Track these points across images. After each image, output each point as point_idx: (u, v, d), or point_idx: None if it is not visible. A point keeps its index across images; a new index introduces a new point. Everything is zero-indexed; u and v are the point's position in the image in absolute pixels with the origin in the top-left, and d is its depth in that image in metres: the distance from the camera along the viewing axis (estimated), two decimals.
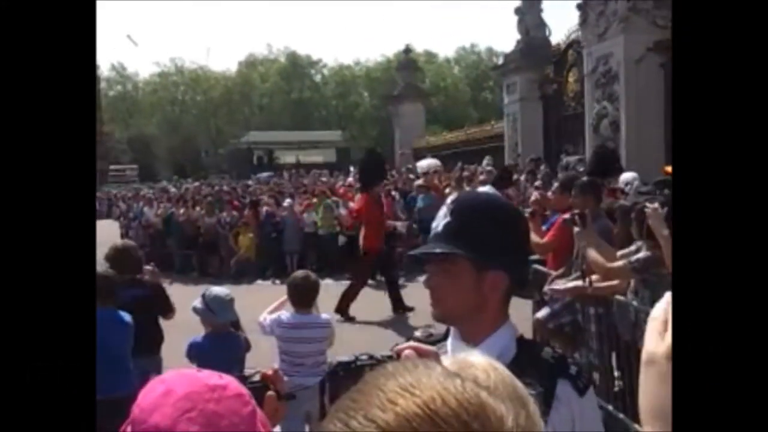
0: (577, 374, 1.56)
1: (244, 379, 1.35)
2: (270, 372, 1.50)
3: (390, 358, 1.03)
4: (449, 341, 1.63)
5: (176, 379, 1.04)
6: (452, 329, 1.64)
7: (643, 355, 0.72)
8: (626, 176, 6.01)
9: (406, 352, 1.01)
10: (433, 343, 1.58)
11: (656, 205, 3.74)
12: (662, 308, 0.73)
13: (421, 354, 0.99)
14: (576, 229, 4.41)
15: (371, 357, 1.06)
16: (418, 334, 1.69)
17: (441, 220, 1.59)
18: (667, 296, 0.74)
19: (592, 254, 4.29)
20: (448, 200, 1.65)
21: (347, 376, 1.04)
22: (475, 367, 0.96)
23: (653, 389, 0.69)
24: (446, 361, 0.98)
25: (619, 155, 9.36)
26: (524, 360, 1.53)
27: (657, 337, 0.70)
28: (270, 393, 1.42)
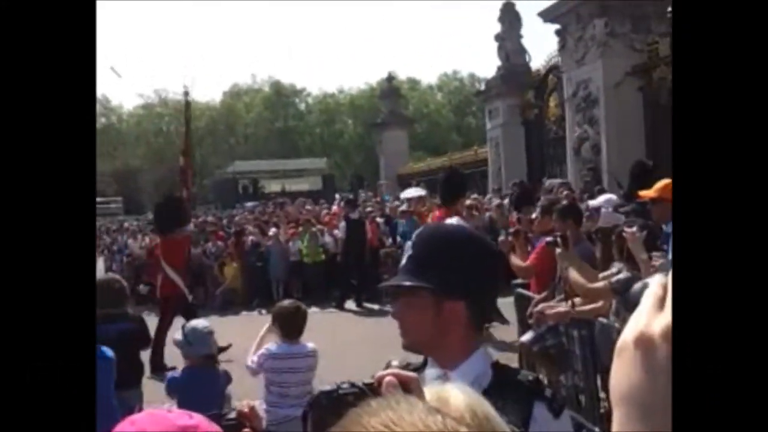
0: (552, 397, 1.61)
1: (220, 417, 1.36)
2: (246, 409, 1.50)
3: (371, 385, 1.04)
4: (427, 369, 1.66)
5: (146, 420, 1.04)
6: (429, 359, 1.68)
7: (618, 342, 0.71)
8: (605, 198, 6.07)
9: (387, 379, 1.02)
10: (411, 371, 1.64)
11: (634, 228, 3.79)
12: (650, 291, 0.72)
13: (401, 381, 1.00)
14: (558, 250, 4.45)
15: (353, 385, 1.06)
16: (395, 363, 1.72)
17: (406, 252, 1.66)
18: (651, 282, 0.73)
19: (574, 275, 4.33)
20: (415, 233, 1.71)
21: (329, 405, 1.05)
22: (454, 400, 0.97)
23: (623, 374, 0.69)
24: (426, 392, 1.00)
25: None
26: (501, 384, 1.58)
27: (631, 325, 0.70)
28: (245, 430, 1.42)
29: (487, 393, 1.31)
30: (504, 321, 7.32)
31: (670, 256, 4.26)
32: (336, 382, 1.10)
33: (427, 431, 0.71)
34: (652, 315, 0.68)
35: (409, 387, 0.99)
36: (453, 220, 5.59)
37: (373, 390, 0.99)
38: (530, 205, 7.96)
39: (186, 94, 12.38)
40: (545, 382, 5.65)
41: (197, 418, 1.10)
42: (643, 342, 0.67)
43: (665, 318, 0.67)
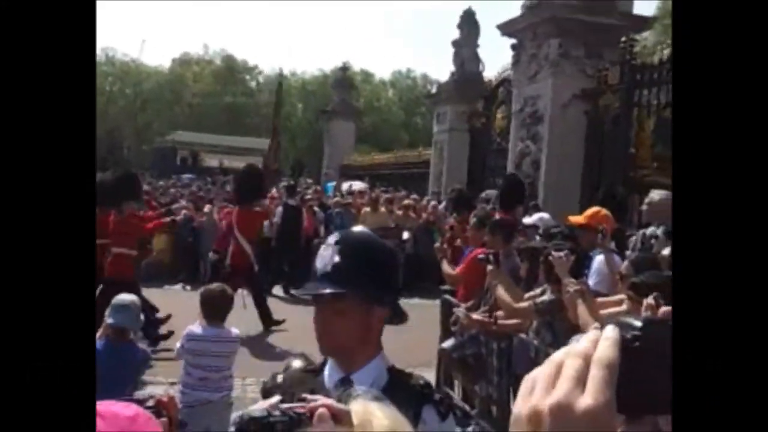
0: (440, 401, 1.76)
1: (138, 402, 1.36)
2: (165, 398, 1.51)
3: (302, 415, 1.06)
4: (326, 371, 1.77)
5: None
6: (329, 360, 1.78)
7: (512, 415, 0.73)
8: (538, 216, 6.22)
9: (320, 411, 1.04)
10: (310, 371, 1.79)
11: (562, 254, 3.91)
12: (538, 372, 0.73)
13: (333, 413, 1.03)
14: (489, 267, 4.57)
15: (284, 413, 1.08)
16: (296, 364, 1.80)
17: (329, 259, 1.73)
18: (550, 359, 0.73)
19: (501, 293, 4.44)
20: (332, 240, 1.78)
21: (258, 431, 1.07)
22: (378, 422, 1.00)
23: None
24: (353, 415, 1.03)
25: (524, 188, 9.68)
26: (395, 387, 1.69)
27: (522, 398, 0.71)
28: (163, 419, 1.43)
29: (381, 395, 1.40)
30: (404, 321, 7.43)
31: (591, 283, 4.43)
32: (267, 408, 1.11)
33: None
34: (546, 389, 0.69)
35: (340, 419, 1.02)
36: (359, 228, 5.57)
37: (302, 420, 1.02)
38: (467, 211, 8.07)
39: (280, 74, 12.49)
40: (459, 389, 5.78)
41: (134, 409, 1.12)
42: (534, 417, 0.68)
43: (556, 394, 0.67)
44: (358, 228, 2.10)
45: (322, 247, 1.79)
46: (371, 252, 1.76)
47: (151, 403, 1.46)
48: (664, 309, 0.75)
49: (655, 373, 0.69)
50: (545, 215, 6.28)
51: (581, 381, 0.68)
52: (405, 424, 1.04)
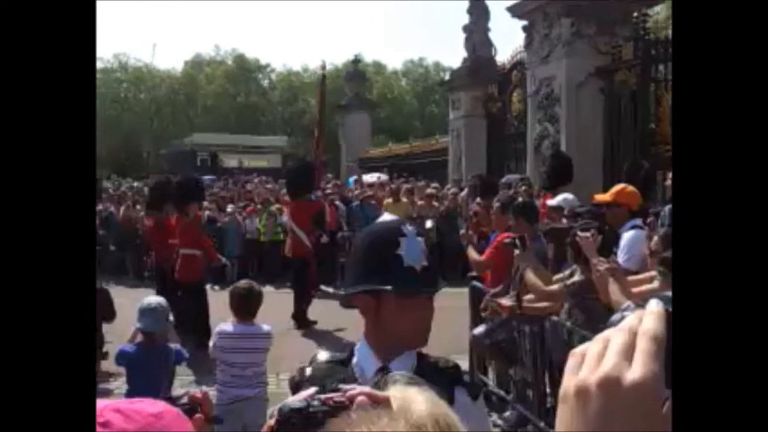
0: (470, 382, 1.82)
1: (172, 401, 1.38)
2: (199, 394, 1.54)
3: (342, 403, 1.07)
4: (356, 361, 1.82)
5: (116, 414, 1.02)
6: (362, 350, 1.83)
7: (560, 390, 0.73)
8: (562, 197, 6.20)
9: (360, 399, 1.06)
10: (337, 363, 1.83)
11: (588, 234, 3.90)
12: (584, 345, 0.73)
13: (374, 401, 1.04)
14: (516, 251, 4.56)
15: (323, 403, 1.09)
16: (322, 357, 1.86)
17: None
18: (597, 337, 0.73)
19: (531, 277, 4.44)
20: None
21: (300, 422, 1.08)
22: (417, 408, 0.99)
23: (565, 424, 0.71)
24: (391, 400, 1.02)
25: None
26: (425, 371, 1.70)
27: (569, 373, 0.71)
28: (198, 415, 1.45)
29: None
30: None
31: (620, 260, 4.41)
32: (306, 398, 1.13)
33: None
34: (593, 365, 0.69)
35: (380, 405, 1.03)
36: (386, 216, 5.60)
37: (343, 408, 1.03)
38: (491, 196, 8.05)
39: (323, 67, 12.96)
40: (494, 375, 5.80)
41: (161, 406, 1.12)
42: (581, 393, 0.68)
43: (603, 368, 0.68)
44: (383, 217, 2.13)
45: None
46: (355, 248, 1.88)
47: (185, 400, 1.49)
48: None
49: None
50: (569, 195, 6.26)
51: (628, 355, 0.68)
52: (444, 406, 1.03)
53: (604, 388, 0.67)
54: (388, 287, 1.73)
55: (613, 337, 0.71)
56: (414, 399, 1.02)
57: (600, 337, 0.72)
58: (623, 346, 0.69)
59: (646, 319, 0.70)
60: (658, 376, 0.67)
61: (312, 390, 1.21)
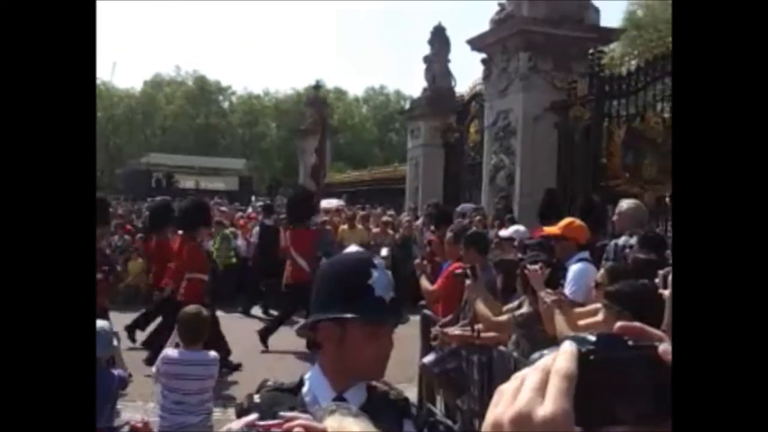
0: (417, 415, 1.85)
1: (112, 430, 1.37)
2: (139, 424, 1.51)
3: None
4: (307, 389, 1.79)
5: None
6: (313, 378, 1.82)
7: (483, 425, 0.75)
8: (514, 229, 6.27)
9: (297, 430, 1.07)
10: (286, 390, 1.80)
11: (536, 266, 3.95)
12: (505, 385, 0.75)
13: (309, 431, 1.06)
14: (467, 281, 4.59)
15: (264, 430, 1.10)
16: (270, 383, 1.83)
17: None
18: (516, 375, 0.75)
19: (480, 307, 4.47)
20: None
21: None
22: None
23: None
24: (328, 430, 1.06)
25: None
26: (375, 402, 1.75)
27: (491, 408, 0.73)
28: None
29: (365, 408, 1.53)
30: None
31: (567, 292, 4.47)
32: (246, 425, 1.13)
33: None
34: (509, 401, 0.71)
35: None
36: (353, 248, 5.58)
37: None
38: (446, 225, 8.11)
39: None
40: (442, 404, 5.78)
41: None
42: (496, 427, 0.71)
43: (517, 404, 0.70)
44: (351, 248, 2.09)
45: None
46: (319, 277, 1.88)
47: (125, 429, 1.46)
48: (620, 324, 0.77)
49: (610, 385, 0.72)
50: (521, 228, 6.34)
51: (541, 392, 0.70)
52: None
53: (516, 423, 0.69)
54: (357, 315, 1.73)
55: (529, 375, 0.73)
56: (350, 429, 1.05)
57: (518, 375, 0.74)
58: (537, 384, 0.71)
59: (559, 359, 0.72)
60: (567, 413, 0.69)
61: (253, 417, 1.25)
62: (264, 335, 9.19)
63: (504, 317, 4.45)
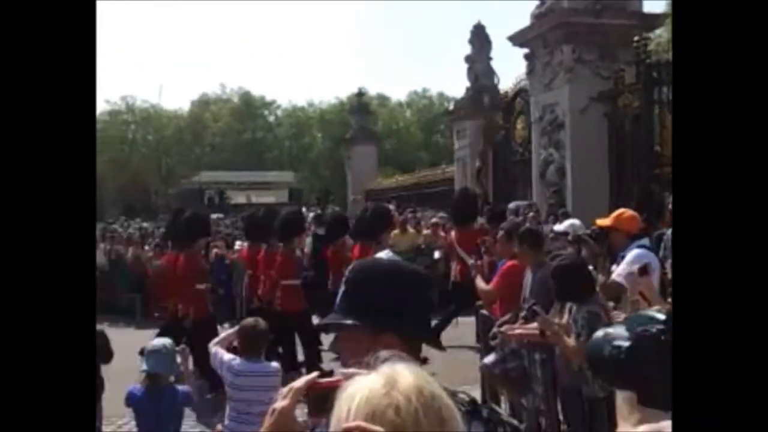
0: (488, 417, 1.74)
1: None
2: None
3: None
4: None
5: None
6: None
7: None
8: (569, 223, 6.17)
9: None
10: None
11: (541, 317, 4.12)
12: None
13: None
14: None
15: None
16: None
17: (341, 289, 1.78)
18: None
19: (565, 344, 4.31)
20: (348, 270, 1.83)
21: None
22: (403, 380, 1.10)
23: None
24: (377, 374, 1.13)
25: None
26: None
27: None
28: None
29: None
30: (441, 348, 7.50)
31: (615, 273, 4.42)
32: (304, 383, 1.34)
33: None
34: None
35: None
36: (383, 254, 5.55)
37: None
38: (500, 223, 8.09)
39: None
40: (506, 404, 5.70)
41: None
42: None
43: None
44: (380, 253, 2.14)
45: None
46: (373, 280, 1.77)
47: None
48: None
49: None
50: (576, 221, 6.22)
51: None
52: (429, 380, 1.12)
53: None
54: (405, 328, 1.71)
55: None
56: (401, 374, 1.12)
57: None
58: None
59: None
60: None
61: (314, 374, 1.38)
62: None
63: (574, 343, 4.28)
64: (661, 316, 0.73)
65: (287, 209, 10.75)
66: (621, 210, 5.23)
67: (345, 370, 1.26)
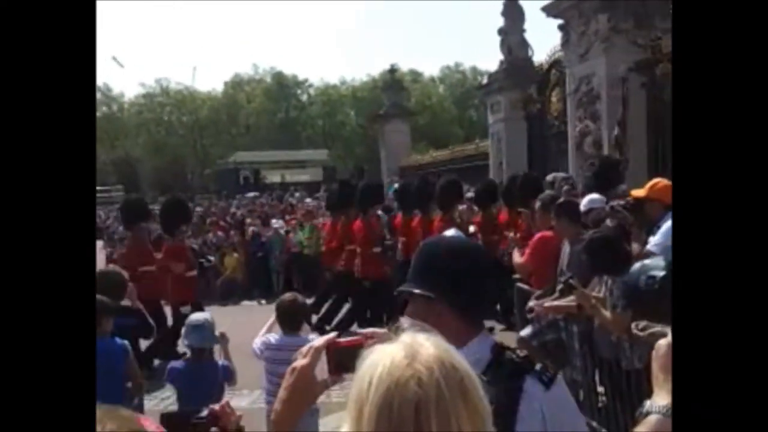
0: (541, 370, 1.78)
1: (189, 414, 1.42)
2: (218, 408, 1.54)
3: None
4: None
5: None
6: None
7: None
8: (588, 198, 5.96)
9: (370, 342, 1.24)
10: None
11: (579, 290, 4.12)
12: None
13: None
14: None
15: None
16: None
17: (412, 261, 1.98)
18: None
19: (603, 316, 4.26)
20: (421, 244, 2.07)
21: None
22: (424, 352, 1.12)
23: None
24: (398, 344, 1.15)
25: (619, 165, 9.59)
26: (496, 364, 1.79)
27: None
28: (213, 429, 1.46)
29: (484, 374, 1.63)
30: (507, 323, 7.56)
31: (650, 244, 4.34)
32: (324, 342, 1.46)
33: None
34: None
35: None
36: (451, 232, 5.61)
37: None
38: (536, 196, 7.97)
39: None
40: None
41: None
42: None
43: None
44: (448, 231, 2.40)
45: None
46: (434, 254, 1.95)
47: (204, 413, 1.50)
48: None
49: None
50: (596, 196, 6.05)
51: None
52: (450, 350, 1.14)
53: None
54: (463, 305, 1.85)
55: None
56: (422, 344, 1.13)
57: None
58: None
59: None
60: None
61: (333, 334, 1.49)
62: None
63: (610, 315, 4.23)
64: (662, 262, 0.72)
65: (364, 181, 11.21)
66: (656, 180, 5.14)
67: (363, 330, 1.33)
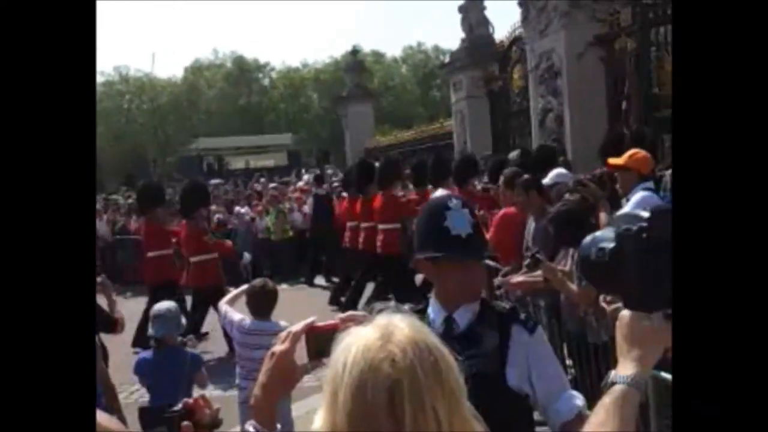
0: (525, 319, 2.14)
1: (164, 408, 1.41)
2: (191, 401, 1.52)
3: None
4: (430, 310, 2.19)
5: None
6: (434, 303, 2.20)
7: None
8: (555, 172, 6.02)
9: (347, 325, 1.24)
10: (417, 312, 2.10)
11: (545, 264, 4.17)
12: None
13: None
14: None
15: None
16: (407, 307, 2.07)
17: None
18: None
19: (568, 289, 4.28)
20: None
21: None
22: (399, 333, 1.11)
23: None
24: (374, 326, 1.14)
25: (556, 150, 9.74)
26: (485, 312, 2.12)
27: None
28: (185, 423, 1.44)
29: (473, 323, 2.06)
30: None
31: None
32: (303, 327, 1.46)
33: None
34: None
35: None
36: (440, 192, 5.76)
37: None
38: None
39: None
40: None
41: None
42: None
43: None
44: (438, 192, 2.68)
45: None
46: (417, 220, 2.28)
47: (178, 407, 1.47)
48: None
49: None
50: (562, 170, 6.11)
51: None
52: (425, 332, 1.14)
53: None
54: (438, 254, 2.05)
55: None
56: (397, 325, 1.13)
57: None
58: None
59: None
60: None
61: (312, 318, 1.54)
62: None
63: (575, 288, 4.27)
64: (645, 214, 0.70)
65: (384, 158, 11.38)
66: (634, 150, 5.19)
67: (342, 315, 1.34)
